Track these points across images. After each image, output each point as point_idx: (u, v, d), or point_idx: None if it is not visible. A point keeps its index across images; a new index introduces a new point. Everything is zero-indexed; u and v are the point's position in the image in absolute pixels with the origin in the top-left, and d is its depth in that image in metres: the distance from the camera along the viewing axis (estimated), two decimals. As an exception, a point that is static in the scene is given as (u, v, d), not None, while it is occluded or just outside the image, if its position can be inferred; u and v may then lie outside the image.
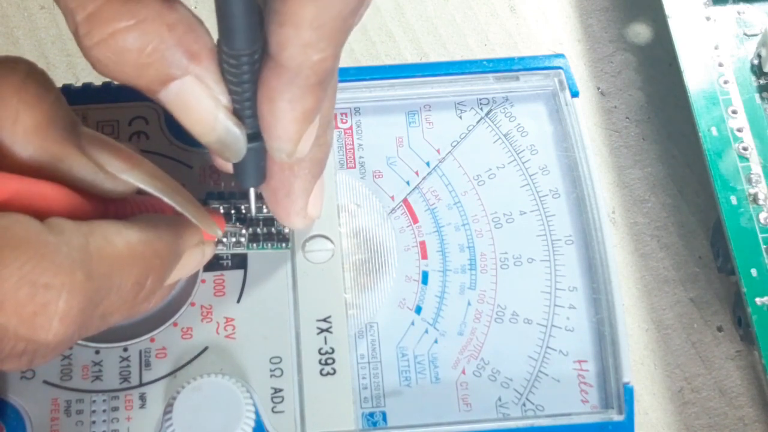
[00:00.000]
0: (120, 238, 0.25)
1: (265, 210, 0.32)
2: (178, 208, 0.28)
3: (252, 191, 0.31)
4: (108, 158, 0.26)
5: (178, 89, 0.25)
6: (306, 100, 0.25)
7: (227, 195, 0.32)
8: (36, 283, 0.22)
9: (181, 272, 0.29)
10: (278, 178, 0.29)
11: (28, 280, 0.22)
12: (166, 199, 0.27)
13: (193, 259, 0.29)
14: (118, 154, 0.27)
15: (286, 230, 0.32)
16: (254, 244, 0.32)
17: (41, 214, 0.24)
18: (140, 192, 0.27)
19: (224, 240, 0.32)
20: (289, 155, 0.27)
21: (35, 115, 0.25)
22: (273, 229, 0.32)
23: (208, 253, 0.30)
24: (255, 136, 0.27)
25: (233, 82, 0.25)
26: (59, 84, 0.34)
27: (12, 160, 0.25)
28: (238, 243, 0.32)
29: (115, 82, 0.26)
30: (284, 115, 0.25)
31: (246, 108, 0.26)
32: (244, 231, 0.32)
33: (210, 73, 0.25)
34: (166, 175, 0.28)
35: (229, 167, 0.30)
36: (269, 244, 0.32)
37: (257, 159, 0.28)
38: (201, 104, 0.25)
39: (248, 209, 0.32)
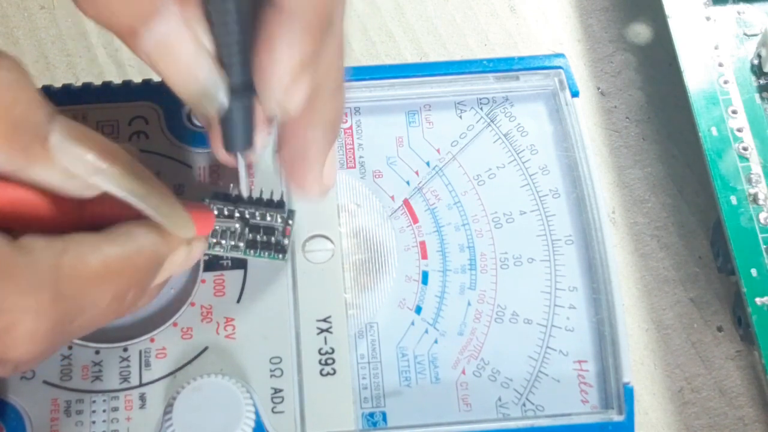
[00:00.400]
0: (95, 256, 0.24)
1: (268, 218, 0.31)
2: (149, 213, 0.26)
3: (241, 160, 0.29)
4: (82, 153, 0.25)
5: (162, 32, 0.24)
6: (305, 43, 0.25)
7: (232, 197, 0.32)
8: (0, 306, 0.22)
9: (166, 275, 0.28)
10: (292, 144, 0.29)
11: None
12: (135, 204, 0.26)
13: (178, 261, 0.28)
14: (93, 148, 0.25)
15: (285, 241, 0.32)
16: (251, 251, 0.32)
17: (12, 221, 0.23)
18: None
19: (223, 242, 0.31)
20: (281, 106, 0.26)
21: (2, 125, 0.23)
22: (273, 239, 0.32)
23: (196, 251, 0.29)
24: (240, 87, 0.26)
25: (219, 26, 0.25)
26: (59, 84, 0.34)
27: None
28: (235, 248, 0.31)
29: (97, 23, 0.25)
30: (282, 59, 0.25)
31: (233, 54, 0.25)
32: (237, 226, 0.31)
33: (195, 16, 0.25)
34: (143, 169, 0.26)
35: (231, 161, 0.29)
36: (266, 253, 0.32)
37: (244, 117, 0.27)
38: (184, 48, 0.25)
39: (252, 214, 0.31)
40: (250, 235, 0.32)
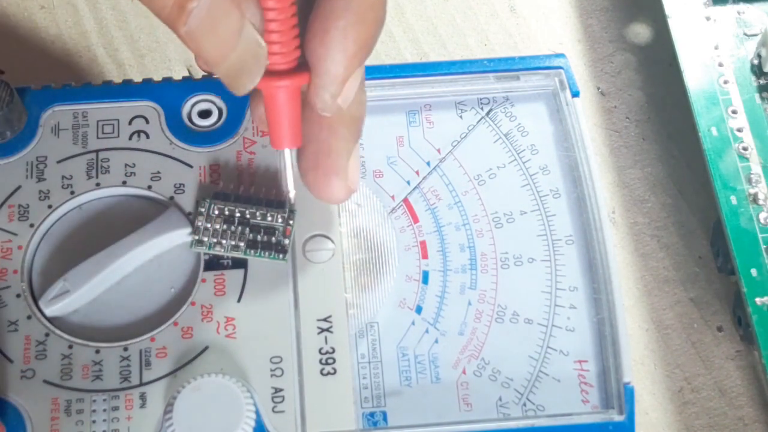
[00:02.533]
0: None
1: (269, 218, 0.32)
2: None
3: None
4: None
5: (209, 6, 0.24)
6: (359, 31, 0.25)
7: (233, 197, 0.32)
8: None
9: None
10: (317, 140, 0.28)
11: None
12: None
13: None
14: None
15: (286, 241, 0.32)
16: (252, 251, 0.32)
17: None
18: None
19: (223, 242, 0.32)
20: (333, 96, 0.26)
21: None
22: (273, 239, 0.32)
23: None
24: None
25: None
26: (59, 84, 0.34)
27: None
28: (235, 248, 0.31)
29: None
30: (336, 46, 0.25)
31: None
32: (234, 208, 0.31)
33: None
34: None
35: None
36: (267, 253, 0.32)
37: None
38: (228, 18, 0.24)
39: (252, 214, 0.31)
40: (251, 235, 0.32)
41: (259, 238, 0.32)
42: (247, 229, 0.32)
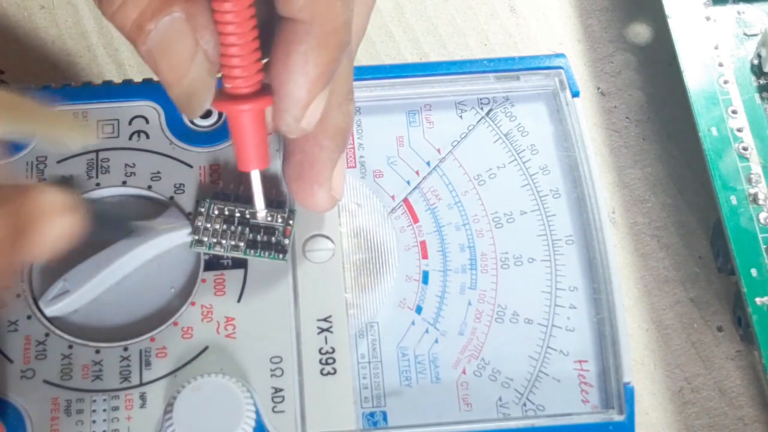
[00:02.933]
0: None
1: (268, 219, 0.32)
2: (45, 136, 0.26)
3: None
4: None
5: (167, 27, 0.25)
6: (321, 54, 0.25)
7: (233, 197, 0.32)
8: None
9: (35, 250, 0.24)
10: (302, 151, 0.29)
11: None
12: (18, 130, 0.25)
13: (49, 234, 0.24)
14: None
15: (286, 241, 0.32)
16: (252, 251, 0.32)
17: None
18: None
19: (223, 242, 0.32)
20: (296, 120, 0.26)
21: None
22: (273, 239, 0.32)
23: (67, 224, 0.25)
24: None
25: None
26: (59, 84, 0.34)
27: None
28: (236, 247, 0.32)
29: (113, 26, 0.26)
30: (298, 70, 0.25)
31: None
32: (233, 208, 0.31)
33: (200, 16, 0.25)
34: (23, 100, 0.25)
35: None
36: (267, 253, 0.32)
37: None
38: (183, 44, 0.25)
39: (252, 214, 0.31)
40: (251, 235, 0.32)
41: (258, 238, 0.32)
42: (247, 229, 0.32)
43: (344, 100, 0.28)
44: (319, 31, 0.25)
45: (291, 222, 0.32)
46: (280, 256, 0.32)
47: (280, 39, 0.25)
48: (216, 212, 0.32)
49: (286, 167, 0.30)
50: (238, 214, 0.32)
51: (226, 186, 0.33)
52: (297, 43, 0.25)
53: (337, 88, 0.28)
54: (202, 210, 0.32)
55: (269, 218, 0.32)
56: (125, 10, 0.25)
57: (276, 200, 0.32)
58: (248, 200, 0.32)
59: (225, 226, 0.32)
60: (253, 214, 0.32)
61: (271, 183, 0.33)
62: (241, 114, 0.27)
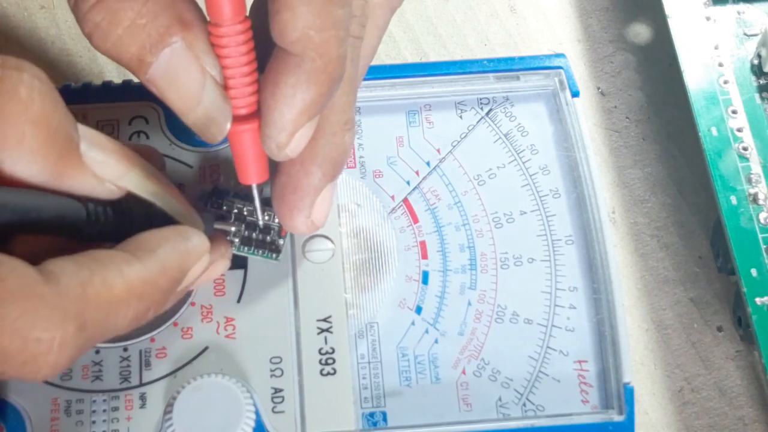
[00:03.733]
0: (120, 280, 0.24)
1: (266, 217, 0.32)
2: (170, 213, 0.27)
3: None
4: (105, 161, 0.26)
5: (169, 58, 0.25)
6: (310, 89, 0.25)
7: (232, 194, 0.32)
8: (27, 337, 0.22)
9: (185, 285, 0.28)
10: (288, 173, 0.29)
11: (21, 334, 0.22)
12: (158, 202, 0.27)
13: (196, 273, 0.28)
14: (115, 155, 0.26)
15: (281, 241, 0.32)
16: (245, 247, 0.32)
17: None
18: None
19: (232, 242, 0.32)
20: (279, 147, 0.26)
21: (41, 134, 0.24)
22: (268, 238, 0.32)
23: (219, 267, 0.29)
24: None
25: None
26: (59, 84, 0.34)
27: (14, 179, 0.24)
28: (230, 243, 0.31)
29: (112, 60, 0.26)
30: (285, 101, 0.25)
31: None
32: (233, 228, 0.31)
33: (200, 42, 0.25)
34: (160, 174, 0.28)
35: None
36: (260, 251, 0.32)
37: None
38: (190, 74, 0.25)
39: (250, 211, 0.32)
40: (246, 233, 0.32)
41: (254, 236, 0.32)
42: (243, 225, 0.32)
43: (338, 130, 0.28)
44: (311, 66, 0.25)
45: None
46: (273, 255, 0.32)
47: (272, 66, 0.25)
48: (213, 207, 0.32)
49: (272, 184, 0.30)
50: (235, 210, 0.32)
51: (226, 182, 0.33)
52: (286, 74, 0.25)
53: (331, 117, 0.28)
54: (200, 205, 0.32)
55: (266, 217, 0.32)
56: (123, 44, 0.25)
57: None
58: (246, 197, 0.32)
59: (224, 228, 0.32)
60: (251, 212, 0.32)
61: (267, 184, 0.33)
62: (238, 134, 0.27)
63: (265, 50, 0.26)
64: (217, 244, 0.29)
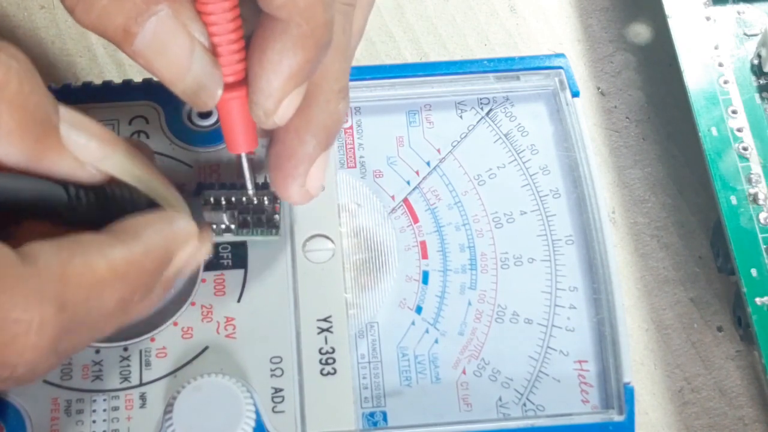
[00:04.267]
0: (102, 261, 0.24)
1: (256, 201, 0.31)
2: (155, 198, 0.27)
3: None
4: (86, 144, 0.25)
5: (156, 26, 0.25)
6: (296, 54, 0.25)
7: (217, 185, 0.32)
8: (5, 318, 0.22)
9: (172, 273, 0.27)
10: (283, 141, 0.29)
11: None
12: (140, 186, 0.27)
13: (183, 259, 0.27)
14: (96, 138, 0.26)
15: (276, 216, 0.32)
16: (244, 230, 0.31)
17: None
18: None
19: (214, 226, 0.31)
20: (267, 114, 0.26)
21: (17, 115, 0.24)
22: (263, 216, 0.31)
23: (202, 251, 0.29)
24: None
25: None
26: (59, 84, 0.34)
27: None
28: (227, 230, 0.31)
29: (92, 32, 0.26)
30: (271, 67, 0.25)
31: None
32: (225, 221, 0.31)
33: (185, 9, 0.25)
34: (143, 157, 0.27)
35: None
36: (259, 231, 0.31)
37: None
38: (178, 42, 0.25)
39: (238, 195, 0.31)
40: (241, 217, 0.31)
41: (249, 218, 0.31)
42: (236, 211, 0.31)
43: (332, 98, 0.28)
44: (297, 31, 0.25)
45: (279, 200, 0.32)
46: (273, 231, 0.31)
47: (258, 33, 0.25)
48: (203, 202, 0.32)
49: (268, 153, 0.30)
50: (224, 201, 0.31)
51: (223, 177, 0.33)
52: (273, 40, 0.25)
53: (324, 85, 0.28)
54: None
55: (256, 200, 0.31)
56: (107, 16, 0.24)
57: (262, 182, 0.32)
58: (234, 186, 0.32)
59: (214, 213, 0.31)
60: (240, 198, 0.31)
61: (257, 165, 0.33)
62: (226, 102, 0.27)
63: (248, 18, 0.26)
64: (200, 230, 0.29)
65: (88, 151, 0.25)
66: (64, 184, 0.26)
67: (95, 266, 0.24)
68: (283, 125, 0.28)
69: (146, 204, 0.27)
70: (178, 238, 0.27)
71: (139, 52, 0.25)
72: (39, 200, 0.25)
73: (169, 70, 0.26)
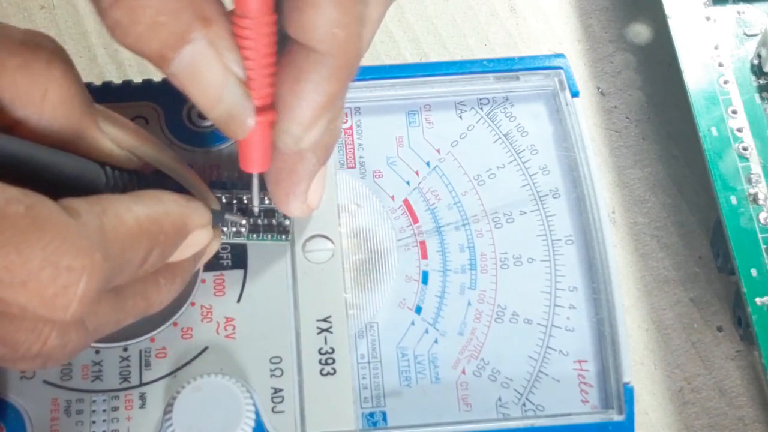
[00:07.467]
0: (129, 215, 0.25)
1: (266, 201, 0.31)
2: (183, 183, 0.29)
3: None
4: (119, 134, 0.28)
5: (191, 55, 0.25)
6: (332, 84, 0.25)
7: (230, 185, 0.32)
8: (58, 264, 0.22)
9: (186, 252, 0.28)
10: (283, 159, 0.29)
11: (51, 261, 0.22)
12: (172, 174, 0.29)
13: (198, 240, 0.28)
14: (128, 130, 0.28)
15: (287, 222, 0.32)
16: (254, 235, 0.31)
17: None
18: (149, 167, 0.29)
19: (224, 229, 0.31)
20: (296, 142, 0.27)
21: (62, 91, 0.26)
22: (273, 221, 0.32)
23: (214, 244, 0.30)
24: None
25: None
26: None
27: (38, 134, 0.26)
28: (238, 233, 0.31)
29: (128, 50, 0.26)
30: (307, 97, 0.25)
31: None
32: (244, 221, 0.31)
33: (222, 39, 0.25)
34: (171, 151, 0.29)
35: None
36: (269, 236, 0.32)
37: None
38: (211, 71, 0.25)
39: (250, 199, 0.31)
40: (251, 220, 0.31)
41: (259, 222, 0.32)
42: (246, 214, 0.31)
43: (333, 118, 0.28)
44: (334, 64, 0.25)
45: None
46: (283, 237, 0.32)
47: (291, 62, 0.25)
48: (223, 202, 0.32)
49: (269, 170, 0.30)
50: (235, 201, 0.31)
51: (221, 175, 0.33)
52: (308, 71, 0.25)
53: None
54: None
55: (267, 201, 0.31)
56: (143, 41, 0.25)
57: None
58: (245, 186, 0.32)
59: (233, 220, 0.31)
60: (251, 200, 0.31)
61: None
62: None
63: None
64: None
65: (123, 141, 0.28)
66: (102, 165, 0.27)
67: (126, 219, 0.25)
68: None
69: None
70: (194, 215, 0.28)
71: (175, 76, 0.26)
72: (79, 177, 0.26)
73: (202, 98, 0.26)
